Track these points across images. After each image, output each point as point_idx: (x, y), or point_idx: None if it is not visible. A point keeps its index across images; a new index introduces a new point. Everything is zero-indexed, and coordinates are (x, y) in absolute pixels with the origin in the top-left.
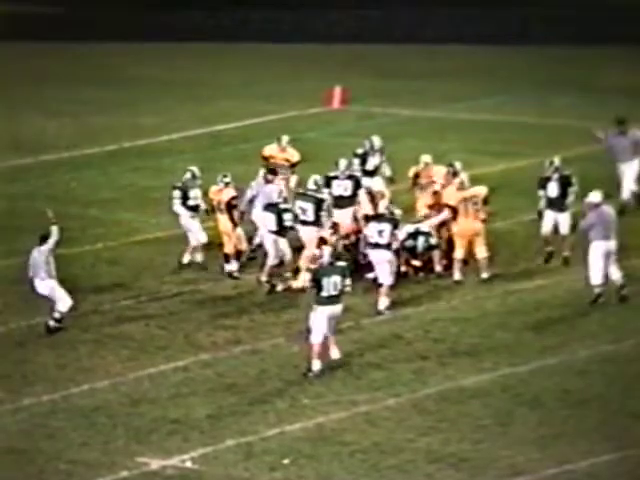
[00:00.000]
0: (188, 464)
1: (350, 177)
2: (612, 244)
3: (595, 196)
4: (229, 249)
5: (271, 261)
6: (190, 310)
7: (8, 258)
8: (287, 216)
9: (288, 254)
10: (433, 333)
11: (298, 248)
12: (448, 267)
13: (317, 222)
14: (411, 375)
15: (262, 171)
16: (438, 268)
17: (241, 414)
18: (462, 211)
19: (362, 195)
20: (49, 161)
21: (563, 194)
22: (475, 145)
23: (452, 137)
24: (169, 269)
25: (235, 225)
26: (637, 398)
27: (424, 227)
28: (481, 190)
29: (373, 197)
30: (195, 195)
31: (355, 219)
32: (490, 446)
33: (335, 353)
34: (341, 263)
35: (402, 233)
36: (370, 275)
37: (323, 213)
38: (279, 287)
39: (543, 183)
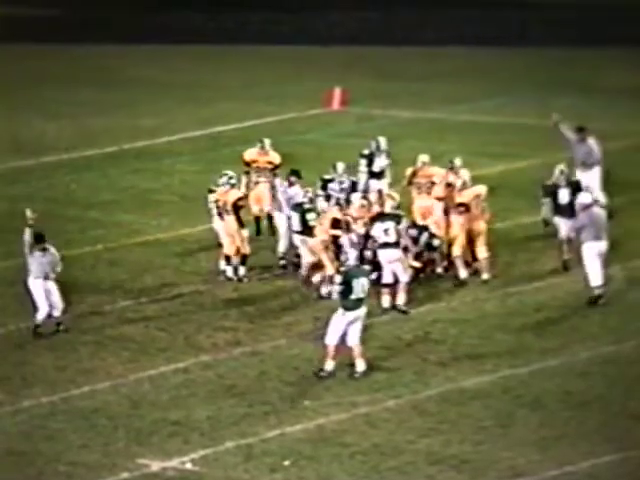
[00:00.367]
0: (188, 466)
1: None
2: (603, 245)
3: (586, 197)
4: (230, 250)
5: (306, 261)
6: (190, 312)
7: (7, 260)
8: (311, 216)
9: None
10: (433, 334)
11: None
12: (448, 269)
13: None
14: (411, 376)
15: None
16: (439, 270)
17: (241, 416)
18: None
19: (356, 199)
20: (49, 163)
21: (572, 200)
22: (475, 146)
23: (452, 138)
24: (169, 270)
25: (241, 226)
26: (638, 399)
27: (431, 228)
28: (482, 189)
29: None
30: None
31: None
32: (491, 447)
33: (360, 365)
34: (365, 266)
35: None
36: (372, 276)
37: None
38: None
39: (550, 190)
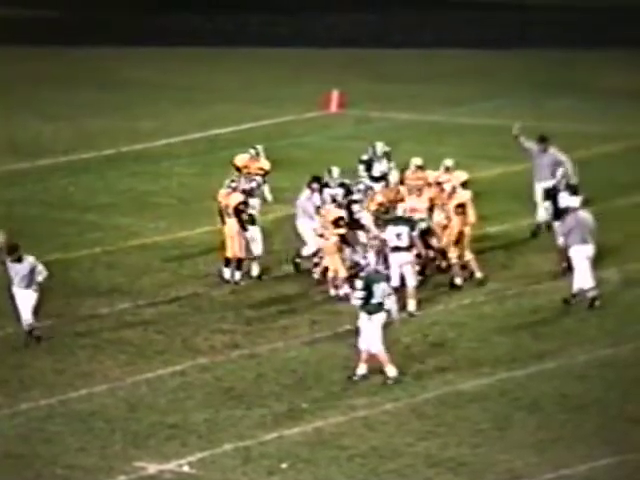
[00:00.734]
0: (186, 469)
1: (342, 185)
2: (590, 248)
3: (573, 200)
4: (230, 253)
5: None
6: (188, 314)
7: (4, 263)
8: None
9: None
10: (431, 338)
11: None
12: (445, 269)
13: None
14: (409, 379)
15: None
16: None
17: (239, 418)
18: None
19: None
20: (46, 165)
21: None
22: (473, 149)
23: (451, 141)
24: (167, 273)
25: (243, 230)
26: (636, 403)
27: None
28: (466, 195)
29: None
30: (254, 204)
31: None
32: (488, 450)
33: (391, 371)
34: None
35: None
36: None
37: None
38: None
39: (552, 193)
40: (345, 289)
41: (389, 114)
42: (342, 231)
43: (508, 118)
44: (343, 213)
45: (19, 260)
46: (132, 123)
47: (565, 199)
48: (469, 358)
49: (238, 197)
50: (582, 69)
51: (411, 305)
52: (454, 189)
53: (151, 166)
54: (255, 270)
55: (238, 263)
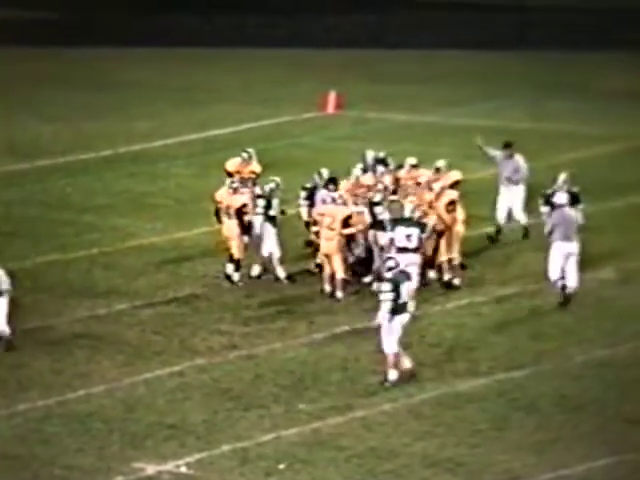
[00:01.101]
0: (183, 469)
1: (333, 184)
2: (573, 246)
3: (560, 197)
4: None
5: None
6: (186, 315)
7: (2, 264)
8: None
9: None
10: (429, 338)
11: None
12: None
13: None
14: (407, 380)
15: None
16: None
17: (237, 419)
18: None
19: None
20: (44, 166)
21: None
22: (470, 150)
23: (447, 142)
24: (164, 274)
25: (244, 232)
26: (633, 403)
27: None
28: (455, 193)
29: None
30: (275, 205)
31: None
32: (486, 451)
33: (393, 375)
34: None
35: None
36: (366, 279)
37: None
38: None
39: (549, 199)
40: (340, 291)
41: (387, 115)
42: (352, 230)
43: (507, 119)
44: (350, 211)
45: None
46: (130, 124)
47: (555, 196)
48: (467, 359)
49: (242, 199)
50: (581, 70)
51: (411, 306)
52: (443, 188)
53: (148, 167)
54: (256, 270)
55: (237, 264)
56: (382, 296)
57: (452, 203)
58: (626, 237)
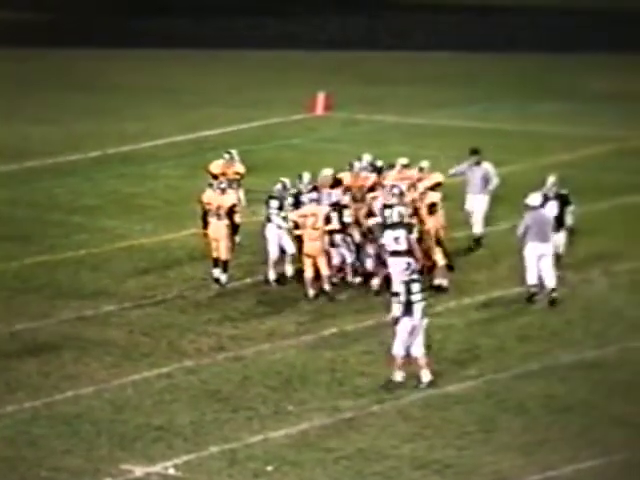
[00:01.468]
0: (172, 471)
1: (314, 189)
2: (547, 247)
3: (534, 199)
4: (217, 254)
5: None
6: (174, 317)
7: None
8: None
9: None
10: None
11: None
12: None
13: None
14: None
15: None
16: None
17: (225, 421)
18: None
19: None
20: (33, 167)
21: (560, 213)
22: (458, 152)
23: (436, 144)
24: (153, 276)
25: (234, 232)
26: (621, 404)
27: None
28: (437, 195)
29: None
30: (286, 205)
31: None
32: (474, 452)
33: (426, 376)
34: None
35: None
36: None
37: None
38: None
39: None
40: (327, 286)
41: (376, 116)
42: (334, 226)
43: (496, 121)
44: (329, 209)
45: None
46: (119, 125)
47: (553, 208)
48: (455, 360)
49: (231, 199)
50: (568, 73)
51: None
52: (427, 189)
53: (138, 168)
54: (290, 270)
55: (224, 265)
56: (414, 297)
57: (434, 205)
58: (614, 239)
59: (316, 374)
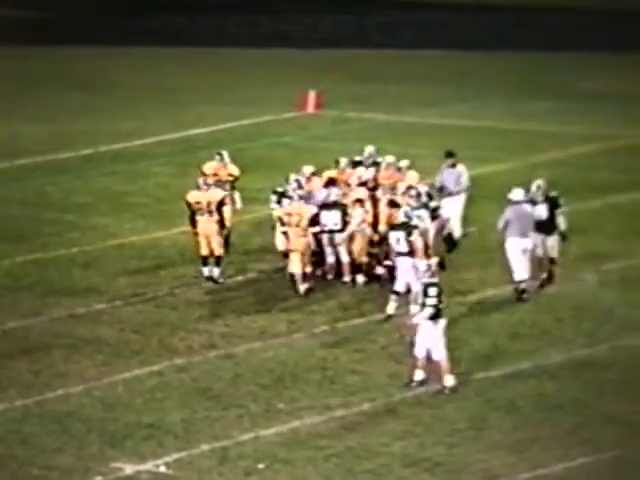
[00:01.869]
0: (162, 469)
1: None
2: (528, 242)
3: (516, 194)
4: (207, 252)
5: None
6: (164, 315)
7: None
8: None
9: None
10: (408, 338)
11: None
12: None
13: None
14: (386, 379)
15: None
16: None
17: (216, 419)
18: None
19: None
20: (24, 165)
21: (551, 217)
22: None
23: (426, 142)
24: (144, 273)
25: (223, 227)
26: (611, 402)
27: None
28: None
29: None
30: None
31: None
32: (465, 450)
33: (450, 380)
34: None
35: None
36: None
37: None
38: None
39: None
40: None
41: (366, 115)
42: (318, 229)
43: (487, 119)
44: (316, 210)
45: None
46: (111, 123)
47: (542, 211)
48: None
49: (220, 193)
50: (559, 71)
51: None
52: (409, 188)
53: (129, 166)
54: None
55: (218, 260)
56: (427, 300)
57: None
58: (605, 237)
59: (307, 372)
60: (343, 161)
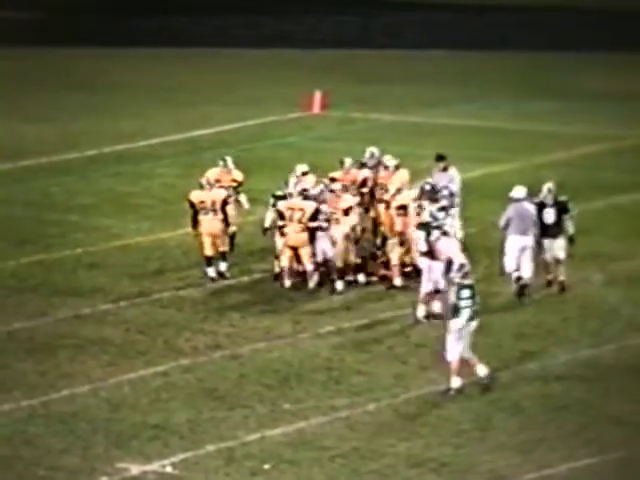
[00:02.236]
0: (168, 469)
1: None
2: (528, 240)
3: (518, 191)
4: (211, 252)
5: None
6: (170, 315)
7: None
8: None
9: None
10: (413, 338)
11: None
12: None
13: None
14: (391, 380)
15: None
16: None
17: (221, 419)
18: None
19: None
20: (28, 166)
21: (558, 220)
22: (453, 150)
23: (431, 142)
24: (149, 274)
25: (227, 225)
26: (616, 403)
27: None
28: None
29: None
30: (326, 211)
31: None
32: (470, 451)
33: (482, 369)
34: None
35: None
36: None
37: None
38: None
39: (538, 209)
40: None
41: (371, 115)
42: (317, 224)
43: (491, 120)
44: (317, 205)
45: None
46: (115, 124)
47: (550, 214)
48: None
49: (224, 192)
50: (563, 71)
51: (437, 306)
52: (399, 190)
53: (133, 167)
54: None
55: (224, 256)
56: (462, 302)
57: (403, 207)
58: (610, 237)
59: (313, 373)
60: (348, 161)
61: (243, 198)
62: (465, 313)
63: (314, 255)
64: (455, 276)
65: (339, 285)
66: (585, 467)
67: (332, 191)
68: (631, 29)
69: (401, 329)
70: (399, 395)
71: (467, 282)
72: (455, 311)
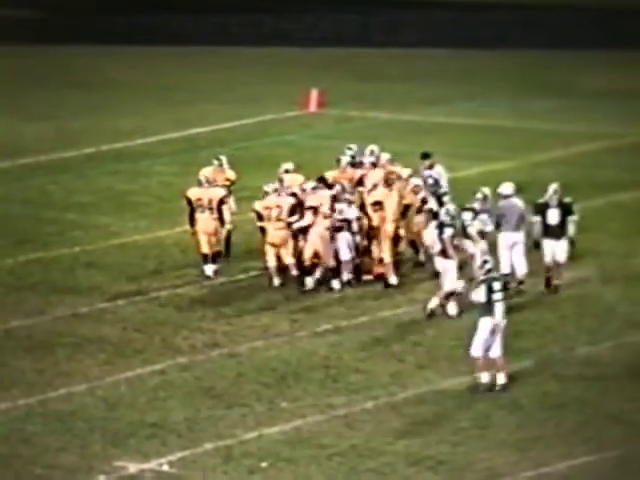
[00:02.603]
0: (166, 468)
1: (293, 195)
2: (520, 236)
3: (506, 188)
4: (208, 250)
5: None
6: (167, 313)
7: None
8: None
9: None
10: (411, 336)
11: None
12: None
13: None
14: (389, 378)
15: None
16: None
17: (219, 417)
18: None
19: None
20: (27, 164)
21: (562, 222)
22: (452, 148)
23: (430, 141)
24: (147, 272)
25: (222, 224)
26: (615, 400)
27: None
28: (383, 193)
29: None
30: (341, 209)
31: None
32: (468, 449)
33: (501, 378)
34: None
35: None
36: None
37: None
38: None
39: (541, 209)
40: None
41: (369, 113)
42: (296, 219)
43: (490, 118)
44: (293, 201)
45: None
46: (113, 122)
47: (554, 215)
48: (448, 356)
49: (222, 191)
50: (562, 69)
51: (452, 308)
52: (374, 186)
53: (131, 165)
54: (346, 275)
55: (216, 256)
56: (495, 295)
57: (378, 203)
58: (608, 235)
59: (310, 371)
60: (344, 160)
61: (232, 201)
62: (500, 308)
63: (299, 253)
64: (480, 273)
65: (336, 284)
66: (583, 465)
67: (315, 188)
68: (630, 27)
69: (399, 327)
70: (397, 393)
71: (496, 275)
72: (489, 308)
